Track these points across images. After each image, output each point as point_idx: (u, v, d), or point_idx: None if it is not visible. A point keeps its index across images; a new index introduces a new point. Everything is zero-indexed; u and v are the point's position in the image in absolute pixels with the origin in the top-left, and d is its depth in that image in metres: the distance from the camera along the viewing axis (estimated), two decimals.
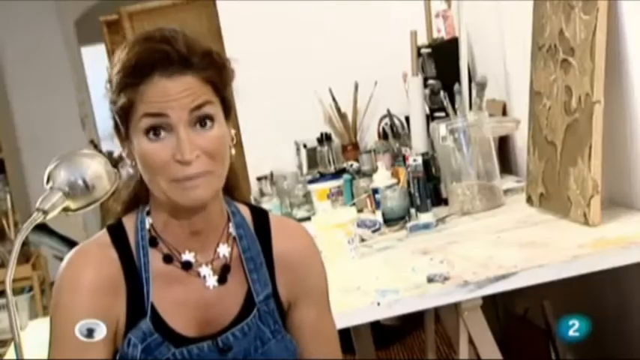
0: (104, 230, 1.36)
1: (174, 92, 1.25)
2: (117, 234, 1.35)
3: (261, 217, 1.43)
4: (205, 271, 1.35)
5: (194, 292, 1.34)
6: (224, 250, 1.36)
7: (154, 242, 1.34)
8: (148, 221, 1.35)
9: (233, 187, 1.41)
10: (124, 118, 1.28)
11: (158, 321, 1.31)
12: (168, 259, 1.34)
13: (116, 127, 1.32)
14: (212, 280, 1.35)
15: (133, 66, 1.26)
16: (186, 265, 1.34)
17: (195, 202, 1.28)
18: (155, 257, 1.34)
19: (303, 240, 1.45)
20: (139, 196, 1.37)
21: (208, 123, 1.27)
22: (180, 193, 1.27)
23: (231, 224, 1.38)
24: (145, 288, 1.31)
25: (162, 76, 1.25)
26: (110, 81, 1.29)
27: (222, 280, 1.35)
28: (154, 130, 1.26)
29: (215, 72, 1.29)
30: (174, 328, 1.32)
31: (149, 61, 1.25)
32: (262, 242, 1.40)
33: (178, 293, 1.33)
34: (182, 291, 1.34)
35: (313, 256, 1.45)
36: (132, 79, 1.25)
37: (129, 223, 1.36)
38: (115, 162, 1.49)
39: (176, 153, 1.25)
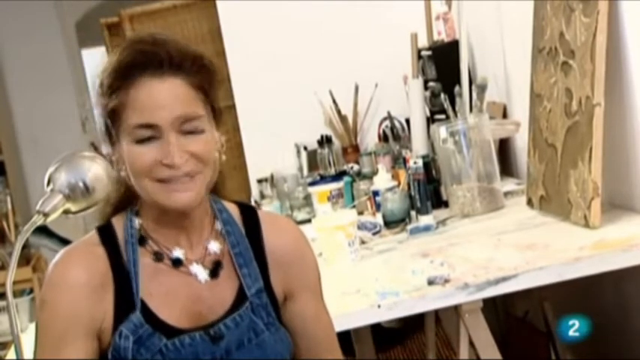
0: (93, 230, 1.38)
1: (164, 97, 1.26)
2: (105, 232, 1.37)
3: (249, 214, 1.44)
4: (196, 268, 1.36)
5: (185, 287, 1.35)
6: (214, 246, 1.38)
7: (143, 241, 1.35)
8: (138, 221, 1.36)
9: (218, 186, 1.42)
10: (114, 120, 1.29)
11: (148, 314, 1.32)
12: (158, 256, 1.35)
13: (107, 130, 1.32)
14: (204, 275, 1.36)
15: (124, 67, 1.27)
16: (177, 262, 1.35)
17: (181, 207, 1.30)
18: (144, 255, 1.35)
19: (293, 234, 1.47)
20: (128, 199, 1.38)
21: (197, 133, 1.29)
22: (167, 195, 1.28)
23: (218, 222, 1.40)
24: (134, 282, 1.32)
25: (153, 78, 1.26)
26: (101, 84, 1.30)
27: (214, 274, 1.37)
28: (145, 138, 1.27)
29: (205, 77, 1.30)
30: (166, 321, 1.33)
31: (140, 62, 1.27)
32: (252, 238, 1.41)
33: (169, 288, 1.35)
34: (173, 286, 1.35)
35: (305, 248, 1.47)
36: (123, 81, 1.27)
37: (118, 222, 1.38)
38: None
39: (165, 157, 1.26)
